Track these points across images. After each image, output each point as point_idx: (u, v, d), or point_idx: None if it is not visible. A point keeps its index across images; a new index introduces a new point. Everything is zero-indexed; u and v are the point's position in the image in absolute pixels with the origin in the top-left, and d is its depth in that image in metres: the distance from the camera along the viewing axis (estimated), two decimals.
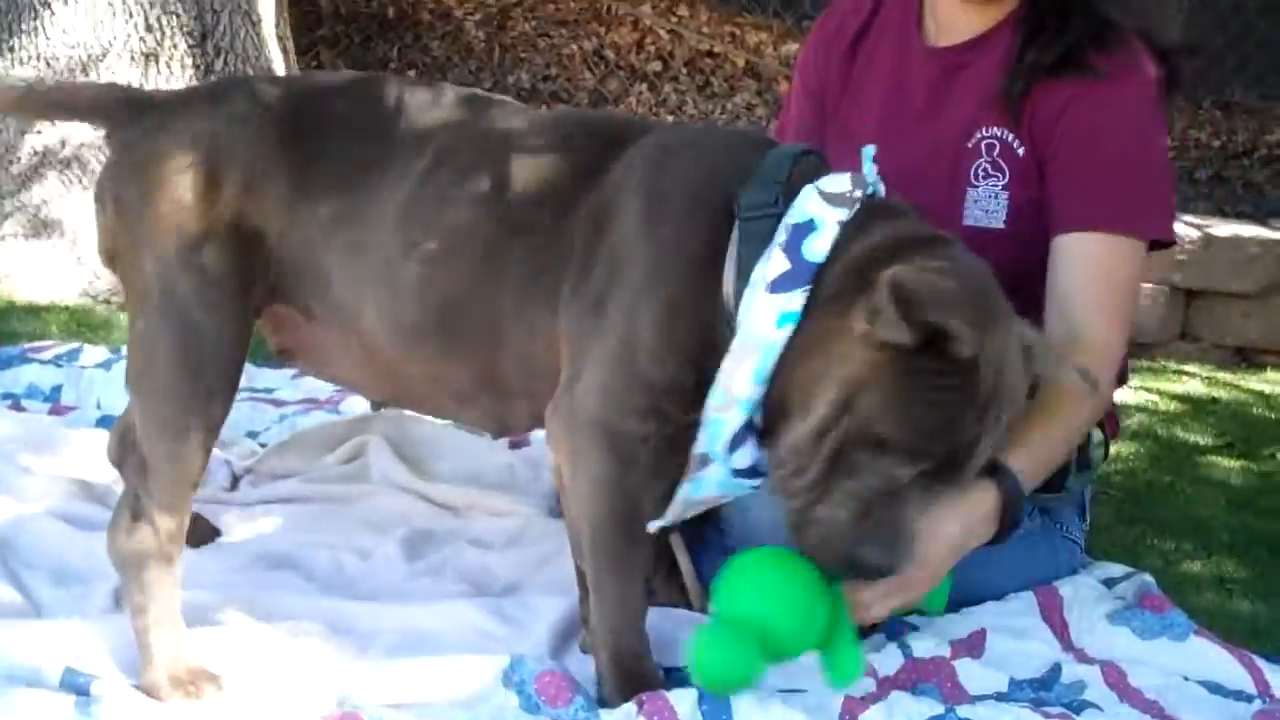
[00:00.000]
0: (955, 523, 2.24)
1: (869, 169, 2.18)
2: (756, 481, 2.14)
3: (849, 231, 2.08)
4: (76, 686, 2.11)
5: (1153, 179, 2.53)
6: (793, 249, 2.07)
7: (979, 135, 2.58)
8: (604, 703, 2.17)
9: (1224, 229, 5.38)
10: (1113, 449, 3.25)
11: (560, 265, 2.20)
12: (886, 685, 2.28)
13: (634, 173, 2.20)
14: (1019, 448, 2.29)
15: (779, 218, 2.11)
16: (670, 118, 6.70)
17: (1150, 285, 5.15)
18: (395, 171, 2.27)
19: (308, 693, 2.15)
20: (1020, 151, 2.55)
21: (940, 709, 2.19)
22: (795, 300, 2.05)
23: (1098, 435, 2.65)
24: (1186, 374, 4.88)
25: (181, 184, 2.22)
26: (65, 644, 2.20)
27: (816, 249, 2.07)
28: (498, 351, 2.25)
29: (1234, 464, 3.86)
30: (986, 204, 2.57)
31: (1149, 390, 4.51)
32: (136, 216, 2.24)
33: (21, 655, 2.15)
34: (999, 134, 2.57)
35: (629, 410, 2.14)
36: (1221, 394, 4.64)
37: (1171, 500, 3.50)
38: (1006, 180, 2.56)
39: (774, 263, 2.07)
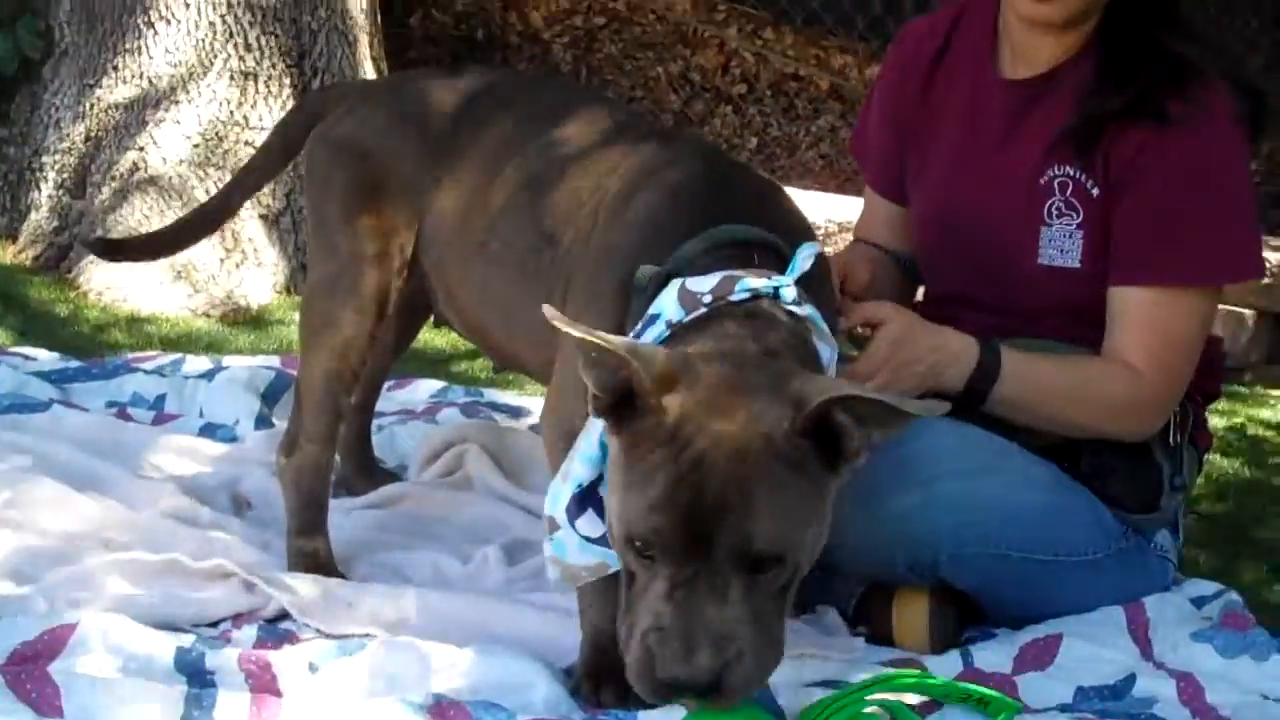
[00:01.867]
0: (931, 336, 2.41)
1: (794, 267, 2.14)
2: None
3: (670, 336, 2.09)
4: (191, 667, 2.17)
5: (1224, 226, 2.49)
6: (636, 338, 2.11)
7: (1051, 173, 2.55)
8: (575, 691, 2.23)
9: None
10: (1205, 470, 3.27)
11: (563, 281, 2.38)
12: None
13: (600, 213, 2.36)
14: (1028, 357, 2.44)
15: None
16: (754, 139, 6.76)
17: (1237, 309, 5.13)
18: (476, 174, 2.56)
19: (410, 681, 2.20)
20: (1094, 192, 2.52)
21: None
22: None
23: (1192, 453, 2.66)
24: (1275, 398, 4.85)
25: (339, 179, 2.64)
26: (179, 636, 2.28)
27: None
28: (548, 348, 2.40)
29: None
30: (1061, 243, 2.55)
31: (1237, 414, 4.48)
32: (313, 199, 2.73)
33: (137, 645, 2.20)
34: (1072, 173, 2.53)
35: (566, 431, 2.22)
36: None
37: (1264, 524, 3.49)
38: (1080, 219, 2.53)
39: None
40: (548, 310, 1.95)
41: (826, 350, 2.16)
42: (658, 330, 2.10)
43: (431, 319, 2.93)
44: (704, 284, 2.10)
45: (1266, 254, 5.06)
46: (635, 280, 2.17)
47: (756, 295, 2.09)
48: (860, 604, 2.57)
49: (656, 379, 1.93)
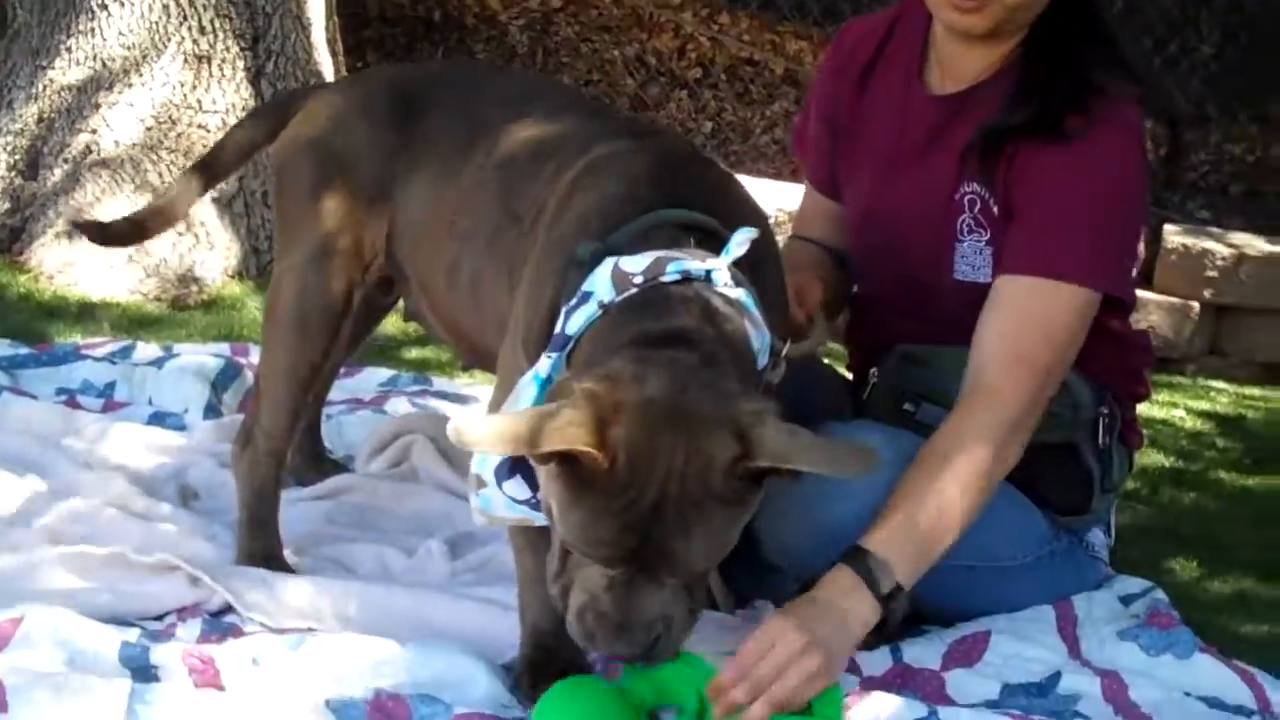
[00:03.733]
0: (808, 602, 2.23)
1: (728, 250, 2.13)
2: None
3: (603, 316, 2.09)
4: (135, 662, 2.21)
5: (1104, 233, 2.49)
6: (568, 314, 2.12)
7: (964, 189, 2.58)
8: (513, 687, 2.29)
9: (1256, 245, 5.40)
10: (1140, 461, 3.33)
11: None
12: (871, 684, 2.36)
13: (557, 196, 2.35)
14: (888, 531, 2.28)
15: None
16: (709, 124, 6.78)
17: (1180, 300, 5.21)
18: (446, 160, 2.58)
19: (352, 675, 2.24)
20: (995, 211, 2.55)
21: (924, 711, 2.25)
22: (545, 365, 2.11)
23: (1122, 452, 2.71)
24: (1215, 390, 4.92)
25: (307, 175, 2.66)
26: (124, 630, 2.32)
27: (574, 322, 2.11)
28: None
29: (1259, 481, 3.90)
30: (973, 259, 2.59)
31: (1176, 405, 4.55)
32: (280, 195, 2.75)
33: (82, 640, 2.25)
34: (979, 190, 2.57)
35: None
36: (1249, 411, 4.67)
37: (1195, 516, 3.55)
38: (989, 236, 2.57)
39: (559, 322, 2.14)
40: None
41: (757, 337, 2.15)
42: (590, 309, 2.11)
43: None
44: (637, 264, 2.11)
45: (1211, 245, 5.24)
46: (574, 255, 2.18)
47: (689, 277, 2.11)
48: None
49: (596, 424, 1.93)
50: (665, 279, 2.10)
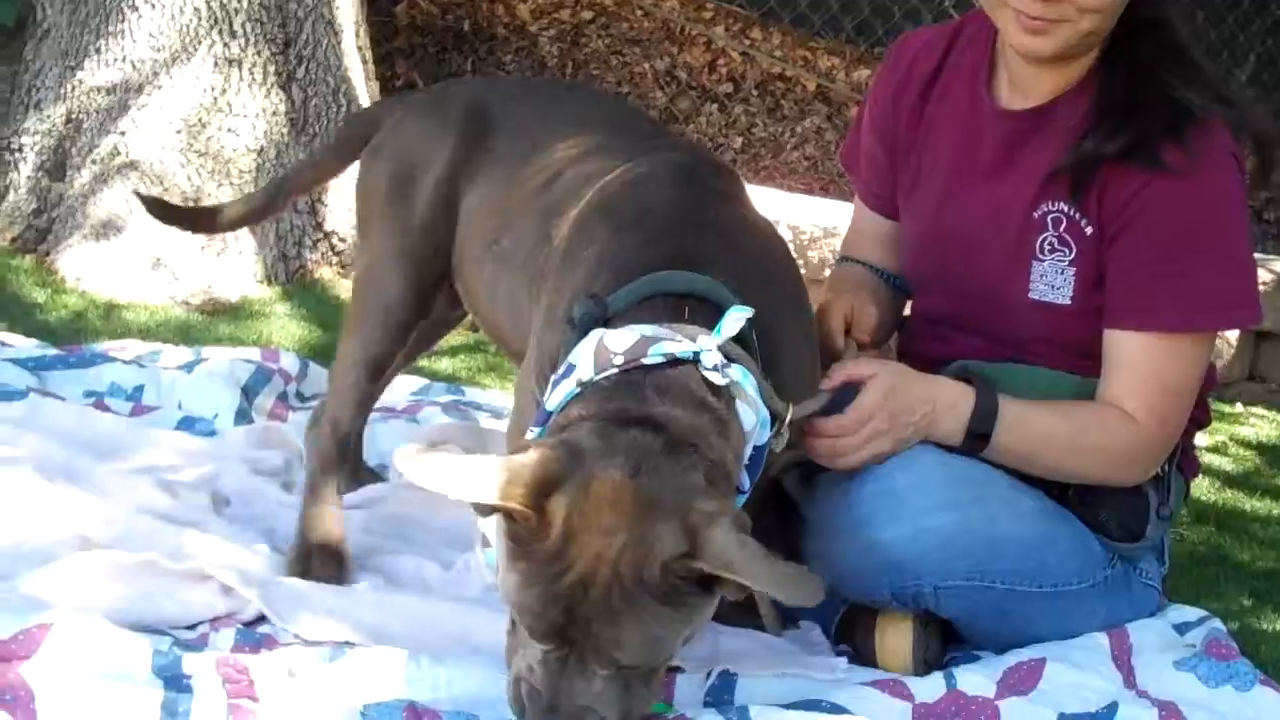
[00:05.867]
0: (923, 387, 2.40)
1: (720, 328, 2.06)
2: None
3: (579, 395, 2.04)
4: (167, 671, 2.15)
5: (1220, 273, 2.43)
6: (553, 385, 2.09)
7: (1045, 208, 2.50)
8: None
9: None
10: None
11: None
12: (923, 712, 2.28)
13: (573, 224, 2.34)
14: (1023, 404, 2.42)
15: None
16: (739, 139, 6.73)
17: None
18: (501, 176, 2.60)
19: (388, 690, 2.19)
20: (1088, 230, 2.47)
21: None
22: (529, 436, 2.10)
23: (1179, 480, 2.64)
24: (1256, 416, 4.85)
25: (386, 180, 2.73)
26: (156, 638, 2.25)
27: (554, 397, 2.07)
28: None
29: None
30: (1053, 279, 2.51)
31: (1218, 433, 4.48)
32: (360, 202, 2.82)
33: (113, 648, 2.17)
34: (1066, 209, 2.48)
35: None
36: None
37: (1245, 547, 3.48)
38: (1073, 256, 2.49)
39: (546, 391, 2.12)
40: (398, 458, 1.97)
41: (751, 416, 2.08)
42: (569, 386, 2.06)
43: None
44: (620, 342, 2.04)
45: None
46: (571, 313, 2.13)
47: (675, 360, 2.04)
48: (843, 623, 2.55)
49: (535, 487, 1.90)
50: (646, 361, 2.03)
